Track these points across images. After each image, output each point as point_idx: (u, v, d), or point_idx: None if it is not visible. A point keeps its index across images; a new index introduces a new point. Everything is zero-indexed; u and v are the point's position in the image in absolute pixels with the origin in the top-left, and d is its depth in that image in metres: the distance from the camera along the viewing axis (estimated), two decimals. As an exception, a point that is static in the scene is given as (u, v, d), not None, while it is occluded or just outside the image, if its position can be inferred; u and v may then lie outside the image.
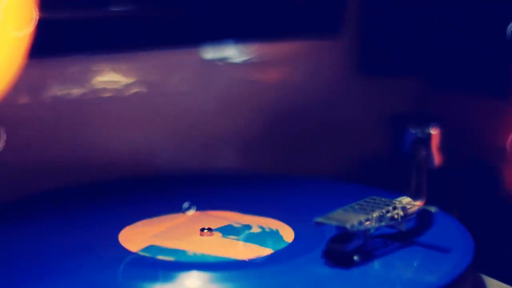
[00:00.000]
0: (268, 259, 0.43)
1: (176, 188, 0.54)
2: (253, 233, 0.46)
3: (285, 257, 0.43)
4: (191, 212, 0.49)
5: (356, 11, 0.63)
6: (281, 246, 0.44)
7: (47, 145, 0.56)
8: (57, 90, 0.56)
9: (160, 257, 0.43)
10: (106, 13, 0.56)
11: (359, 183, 0.55)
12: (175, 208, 0.49)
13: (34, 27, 0.43)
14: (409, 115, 0.63)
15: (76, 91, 0.57)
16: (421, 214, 0.45)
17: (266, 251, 0.43)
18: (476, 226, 0.47)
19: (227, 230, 0.46)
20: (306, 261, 0.42)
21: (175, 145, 0.59)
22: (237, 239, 0.45)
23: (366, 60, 0.64)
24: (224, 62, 0.60)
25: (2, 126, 0.52)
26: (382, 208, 0.43)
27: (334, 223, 0.41)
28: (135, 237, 0.46)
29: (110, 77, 0.57)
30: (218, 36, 0.59)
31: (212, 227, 0.47)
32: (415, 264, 0.43)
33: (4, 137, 0.52)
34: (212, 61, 0.60)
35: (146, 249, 0.44)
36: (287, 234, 0.46)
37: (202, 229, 0.46)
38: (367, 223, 0.42)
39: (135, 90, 0.58)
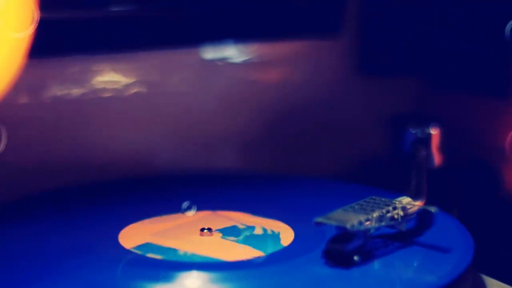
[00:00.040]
0: (268, 259, 0.43)
1: (176, 188, 0.54)
2: (253, 235, 0.46)
3: (285, 257, 0.43)
4: (192, 213, 0.49)
5: (356, 11, 0.63)
6: (275, 249, 0.44)
7: (47, 145, 0.56)
8: (57, 90, 0.56)
9: (149, 254, 0.43)
10: (106, 13, 0.56)
11: (359, 183, 0.55)
12: (175, 208, 0.49)
13: (34, 28, 0.43)
14: (409, 115, 0.63)
15: (76, 91, 0.57)
16: (421, 214, 0.45)
17: (257, 253, 0.43)
18: (476, 226, 0.47)
19: (229, 231, 0.46)
20: (306, 261, 0.42)
21: (175, 145, 0.59)
22: (235, 241, 0.45)
23: (366, 60, 0.64)
24: (224, 62, 0.60)
25: (3, 127, 0.52)
26: (382, 208, 0.43)
27: (334, 223, 0.41)
28: (136, 235, 0.46)
29: (110, 77, 0.57)
30: (218, 36, 0.59)
31: (217, 228, 0.47)
32: (415, 264, 0.43)
33: (5, 137, 0.52)
34: (212, 61, 0.60)
35: (140, 246, 0.44)
36: (288, 237, 0.45)
37: (202, 229, 0.46)
38: (367, 223, 0.42)
39: (135, 90, 0.58)
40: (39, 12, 0.44)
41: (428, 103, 0.64)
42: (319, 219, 0.42)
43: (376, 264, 0.42)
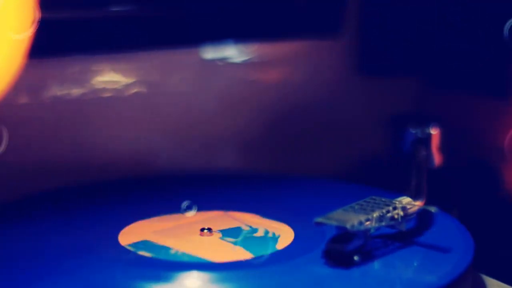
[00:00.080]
0: (268, 259, 0.43)
1: (176, 188, 0.54)
2: (252, 237, 0.46)
3: (285, 257, 0.43)
4: (192, 213, 0.49)
5: (356, 11, 0.63)
6: (266, 252, 0.43)
7: (47, 145, 0.56)
8: (57, 90, 0.56)
9: (141, 252, 0.43)
10: (106, 13, 0.56)
11: (359, 183, 0.55)
12: (175, 208, 0.49)
13: (34, 32, 0.43)
14: (409, 115, 0.63)
15: (76, 91, 0.57)
16: (421, 214, 0.45)
17: (247, 256, 0.43)
18: (476, 226, 0.47)
19: (230, 232, 0.46)
20: (306, 261, 0.42)
21: (175, 145, 0.59)
22: (232, 242, 0.45)
23: (366, 60, 0.64)
24: (224, 62, 0.60)
25: (4, 127, 0.52)
26: (382, 208, 0.43)
27: (334, 223, 0.41)
28: (137, 233, 0.46)
29: (110, 77, 0.57)
30: (218, 36, 0.59)
31: (222, 228, 0.47)
32: (415, 264, 0.43)
33: (6, 137, 0.52)
34: (212, 61, 0.60)
35: (136, 243, 0.44)
36: (287, 239, 0.45)
37: (202, 229, 0.46)
38: (367, 223, 0.42)
39: (135, 90, 0.58)
40: (39, 12, 0.44)
41: (428, 103, 0.64)
42: (319, 219, 0.42)
43: (376, 264, 0.42)
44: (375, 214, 0.42)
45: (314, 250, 0.43)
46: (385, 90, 0.64)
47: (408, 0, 0.63)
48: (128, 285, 0.40)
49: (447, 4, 0.61)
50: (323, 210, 0.42)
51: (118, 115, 0.58)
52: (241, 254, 0.43)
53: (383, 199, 0.44)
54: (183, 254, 0.43)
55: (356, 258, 0.42)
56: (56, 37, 0.54)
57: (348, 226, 0.41)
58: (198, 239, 0.46)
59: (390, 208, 0.43)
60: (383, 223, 0.43)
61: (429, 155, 0.45)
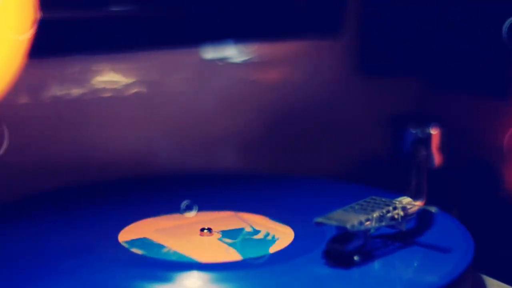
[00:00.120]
0: (268, 259, 0.43)
1: (176, 188, 0.54)
2: (250, 239, 0.46)
3: (285, 257, 0.43)
4: (192, 213, 0.49)
5: (356, 11, 0.63)
6: (256, 255, 0.43)
7: (47, 145, 0.56)
8: (57, 90, 0.56)
9: (133, 249, 0.44)
10: (106, 13, 0.56)
11: (359, 183, 0.55)
12: (175, 208, 0.49)
13: (34, 32, 0.43)
14: (409, 115, 0.63)
15: (76, 91, 0.57)
16: (421, 214, 0.45)
17: (236, 257, 0.43)
18: (476, 226, 0.47)
19: (231, 233, 0.46)
20: (306, 261, 0.42)
21: (175, 145, 0.59)
22: (229, 243, 0.45)
23: (366, 60, 0.64)
24: (224, 62, 0.60)
25: (5, 127, 0.52)
26: (382, 208, 0.43)
27: (334, 223, 0.41)
28: (139, 230, 0.46)
29: (110, 77, 0.57)
30: (218, 36, 0.59)
31: (225, 229, 0.47)
32: (415, 264, 0.43)
33: (7, 138, 0.52)
34: (212, 61, 0.60)
35: (133, 240, 0.45)
36: (284, 242, 0.45)
37: (202, 229, 0.46)
38: (367, 223, 0.42)
39: (135, 90, 0.58)
40: (39, 12, 0.44)
41: (428, 103, 0.64)
42: (319, 219, 0.42)
43: (376, 264, 0.42)
44: (375, 214, 0.42)
45: (314, 250, 0.43)
46: (385, 90, 0.64)
47: (408, 0, 0.63)
48: (128, 285, 0.40)
49: (447, 4, 0.60)
50: (323, 210, 0.42)
51: (118, 115, 0.58)
52: (230, 255, 0.43)
53: (383, 199, 0.44)
54: (174, 253, 0.43)
55: (356, 258, 0.42)
56: (56, 37, 0.54)
57: (348, 226, 0.41)
58: (196, 239, 0.46)
59: (390, 208, 0.43)
60: (383, 223, 0.43)
61: (429, 155, 0.45)
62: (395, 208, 0.44)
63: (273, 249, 0.44)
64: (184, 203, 0.49)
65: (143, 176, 0.57)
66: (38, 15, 0.44)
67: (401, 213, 0.44)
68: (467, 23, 0.59)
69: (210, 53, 0.59)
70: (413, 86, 0.64)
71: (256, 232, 0.46)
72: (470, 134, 0.59)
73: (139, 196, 0.53)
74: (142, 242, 0.45)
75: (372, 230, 0.43)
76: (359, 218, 0.42)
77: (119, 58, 0.57)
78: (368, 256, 0.42)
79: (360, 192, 0.47)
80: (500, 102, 0.57)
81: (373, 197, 0.45)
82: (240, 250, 0.44)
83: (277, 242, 0.45)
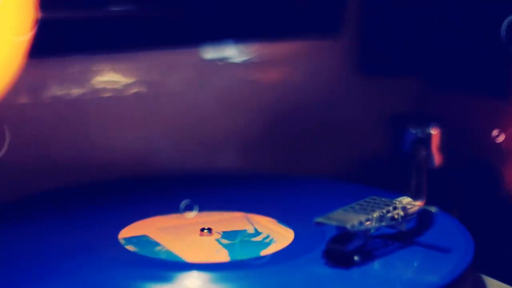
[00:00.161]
0: (268, 259, 0.43)
1: (176, 188, 0.54)
2: (248, 241, 0.45)
3: (285, 257, 0.43)
4: (193, 213, 0.49)
5: (356, 11, 0.63)
6: (246, 257, 0.43)
7: (47, 145, 0.56)
8: (57, 90, 0.56)
9: (127, 246, 0.44)
10: (106, 13, 0.56)
11: (359, 183, 0.55)
12: (175, 208, 0.49)
13: (34, 30, 0.43)
14: (409, 115, 0.63)
15: (76, 91, 0.57)
16: (421, 214, 0.45)
17: (224, 259, 0.43)
18: (476, 226, 0.47)
19: (232, 234, 0.46)
20: (306, 261, 0.42)
21: (175, 145, 0.59)
22: (225, 243, 0.45)
23: (366, 60, 0.64)
24: (224, 62, 0.60)
25: (5, 127, 0.52)
26: (382, 208, 0.43)
27: (334, 223, 0.41)
28: (143, 226, 0.47)
29: (110, 77, 0.57)
30: (218, 36, 0.59)
31: (229, 229, 0.47)
32: (415, 264, 0.43)
33: (8, 138, 0.52)
34: (212, 61, 0.60)
35: (132, 237, 0.45)
36: (278, 246, 0.45)
37: (202, 229, 0.46)
38: (368, 223, 0.42)
39: (135, 90, 0.58)
40: (39, 12, 0.44)
41: (428, 103, 0.64)
42: (319, 219, 0.42)
43: (376, 264, 0.42)
44: (375, 214, 0.42)
45: (314, 250, 0.43)
46: (385, 90, 0.64)
47: (408, 0, 0.63)
48: (128, 285, 0.40)
49: (447, 4, 0.60)
50: (323, 210, 0.42)
51: (118, 115, 0.58)
52: (218, 256, 0.43)
53: (383, 199, 0.44)
54: (166, 251, 0.44)
55: (356, 258, 0.42)
56: (56, 37, 0.54)
57: (348, 226, 0.41)
58: (194, 239, 0.46)
59: (390, 208, 0.43)
60: (383, 223, 0.43)
61: (429, 155, 0.45)
62: (395, 208, 0.44)
63: (264, 252, 0.44)
64: (183, 203, 0.49)
65: (143, 176, 0.57)
66: (38, 15, 0.44)
67: (401, 213, 0.44)
68: (467, 23, 0.59)
69: (210, 53, 0.59)
70: (413, 86, 0.64)
71: (257, 234, 0.46)
72: (470, 134, 0.59)
73: (139, 196, 0.53)
74: (139, 239, 0.45)
75: (372, 230, 0.43)
76: (359, 218, 0.42)
77: (119, 58, 0.57)
78: (368, 256, 0.42)
79: (360, 192, 0.47)
80: (500, 102, 0.57)
81: (373, 197, 0.45)
82: (230, 252, 0.44)
83: (272, 245, 0.45)
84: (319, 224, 0.41)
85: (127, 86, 0.58)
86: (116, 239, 0.45)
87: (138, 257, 0.43)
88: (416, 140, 0.45)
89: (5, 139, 0.53)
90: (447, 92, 0.62)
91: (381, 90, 0.64)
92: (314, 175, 0.59)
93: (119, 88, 0.58)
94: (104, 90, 0.57)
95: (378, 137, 0.63)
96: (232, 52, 0.60)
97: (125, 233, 0.46)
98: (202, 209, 0.49)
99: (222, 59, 0.60)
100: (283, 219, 0.48)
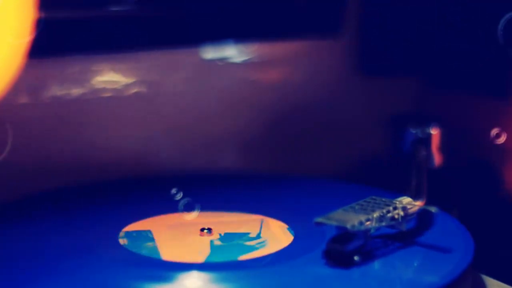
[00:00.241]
0: (268, 259, 0.43)
1: (176, 188, 0.54)
2: (241, 244, 0.45)
3: (285, 257, 0.43)
4: (194, 214, 0.49)
5: (356, 11, 0.63)
6: (223, 260, 0.43)
7: (47, 145, 0.56)
8: (57, 90, 0.56)
9: (121, 240, 0.44)
10: (106, 13, 0.56)
11: (359, 183, 0.55)
12: (175, 208, 0.49)
13: (34, 31, 0.43)
14: (409, 115, 0.63)
15: (76, 91, 0.57)
16: (422, 214, 0.45)
17: (199, 260, 0.43)
18: (476, 226, 0.47)
19: (232, 236, 0.46)
20: (306, 261, 0.42)
21: (175, 145, 0.59)
22: (218, 245, 0.45)
23: (366, 60, 0.64)
24: (224, 62, 0.60)
25: (8, 127, 0.52)
26: (382, 208, 0.43)
27: (335, 223, 0.41)
28: (153, 222, 0.47)
29: (110, 77, 0.57)
30: (218, 36, 0.59)
31: (232, 231, 0.46)
32: (415, 264, 0.43)
33: (10, 139, 0.52)
34: (212, 61, 0.60)
35: (133, 231, 0.46)
36: (263, 252, 0.44)
37: (202, 229, 0.46)
38: (368, 223, 0.42)
39: (135, 90, 0.58)
40: (39, 12, 0.44)
41: (428, 103, 0.64)
42: (319, 219, 0.42)
43: (376, 264, 0.42)
44: (376, 214, 0.42)
45: (314, 250, 0.43)
46: (385, 90, 0.64)
47: (408, 0, 0.63)
48: (128, 285, 0.40)
49: (447, 4, 0.60)
50: (323, 210, 0.42)
51: (118, 115, 0.58)
52: (196, 257, 0.43)
53: (383, 199, 0.44)
54: (154, 248, 0.44)
55: (356, 258, 0.42)
56: (56, 37, 0.54)
57: (348, 226, 0.41)
58: (189, 238, 0.46)
59: (391, 208, 0.43)
60: (384, 223, 0.43)
61: (429, 155, 0.45)
62: (395, 208, 0.44)
63: (243, 257, 0.43)
64: (182, 203, 0.49)
65: (143, 176, 0.57)
66: (38, 15, 0.44)
67: (401, 213, 0.44)
68: (467, 23, 0.59)
69: (210, 53, 0.59)
70: (413, 86, 0.64)
71: (257, 238, 0.46)
72: (470, 134, 0.59)
73: (139, 196, 0.53)
74: (139, 234, 0.45)
75: (372, 230, 0.43)
76: (359, 218, 0.42)
77: (119, 58, 0.57)
78: (368, 256, 0.42)
79: (360, 192, 0.47)
80: (500, 102, 0.57)
81: (373, 197, 0.45)
82: (212, 253, 0.44)
83: (259, 250, 0.44)
84: (319, 224, 0.41)
85: (127, 86, 0.58)
86: (116, 239, 0.45)
87: (138, 257, 0.43)
88: (416, 140, 0.45)
89: (5, 140, 0.53)
90: (447, 92, 0.62)
91: (381, 90, 0.64)
92: (314, 175, 0.59)
93: (119, 88, 0.58)
94: (104, 90, 0.57)
95: (378, 137, 0.63)
96: (232, 52, 0.60)
97: (131, 227, 0.46)
98: (203, 209, 0.49)
99: (222, 59, 0.60)
100: (283, 219, 0.48)
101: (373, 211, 0.43)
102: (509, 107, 0.56)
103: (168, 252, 0.44)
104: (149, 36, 0.57)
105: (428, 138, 0.45)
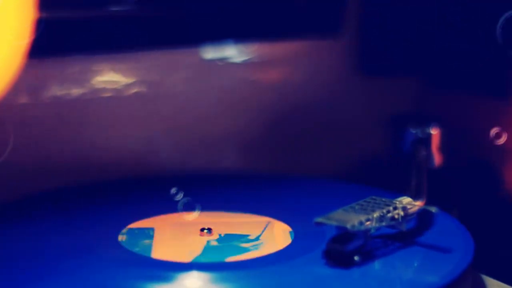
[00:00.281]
0: (268, 259, 0.43)
1: (176, 188, 0.54)
2: (236, 246, 0.45)
3: (285, 257, 0.43)
4: (195, 214, 0.49)
5: (356, 11, 0.63)
6: (211, 260, 0.43)
7: (47, 145, 0.56)
8: (57, 90, 0.56)
9: (120, 236, 0.45)
10: (106, 13, 0.56)
11: (359, 183, 0.55)
12: (175, 208, 0.49)
13: (34, 31, 0.43)
14: (409, 115, 0.63)
15: (76, 91, 0.57)
16: (422, 214, 0.45)
17: (186, 259, 0.43)
18: (476, 226, 0.47)
19: (231, 238, 0.46)
20: (306, 261, 0.42)
21: (175, 145, 0.59)
22: (214, 245, 0.45)
23: (366, 60, 0.64)
24: (224, 62, 0.60)
25: (8, 128, 0.52)
26: (382, 208, 0.43)
27: (335, 223, 0.41)
28: (162, 219, 0.48)
29: (110, 77, 0.57)
30: (218, 36, 0.59)
31: (233, 232, 0.46)
32: (415, 264, 0.43)
33: (12, 139, 0.52)
34: (212, 61, 0.60)
35: (135, 228, 0.46)
36: (256, 253, 0.44)
37: (202, 229, 0.46)
38: (368, 223, 0.42)
39: (135, 90, 0.58)
40: (39, 12, 0.44)
41: (428, 103, 0.64)
42: (319, 219, 0.42)
43: (377, 264, 0.42)
44: (376, 214, 0.42)
45: (314, 250, 0.43)
46: (385, 90, 0.64)
47: (408, 0, 0.63)
48: (128, 285, 0.40)
49: (447, 4, 0.60)
50: (323, 210, 0.42)
51: (118, 115, 0.58)
52: (184, 257, 0.43)
53: (383, 199, 0.44)
54: (148, 246, 0.44)
55: (356, 258, 0.42)
56: (56, 37, 0.54)
57: (348, 226, 0.41)
58: (187, 238, 0.46)
59: (391, 208, 0.43)
60: (384, 223, 0.43)
61: (429, 155, 0.45)
62: (395, 208, 0.44)
63: (230, 259, 0.43)
64: (181, 202, 0.49)
65: (143, 176, 0.57)
66: (38, 15, 0.44)
67: (401, 213, 0.44)
68: (467, 23, 0.59)
69: (210, 53, 0.59)
70: (413, 86, 0.64)
71: (254, 240, 0.46)
72: (470, 134, 0.59)
73: (139, 196, 0.53)
74: (140, 231, 0.45)
75: (372, 230, 0.43)
76: (359, 218, 0.42)
77: (119, 58, 0.57)
78: (368, 256, 0.42)
79: (360, 192, 0.47)
80: (500, 102, 0.57)
81: (373, 197, 0.45)
82: (202, 254, 0.44)
83: (250, 252, 0.44)
84: (319, 224, 0.41)
85: (127, 86, 0.58)
86: (116, 239, 0.45)
87: (138, 257, 0.43)
88: (416, 140, 0.45)
89: (5, 140, 0.53)
90: (447, 92, 0.62)
91: (381, 90, 0.64)
92: (314, 175, 0.59)
93: (119, 88, 0.58)
94: (104, 90, 0.57)
95: (378, 137, 0.63)
96: (232, 52, 0.60)
97: (136, 224, 0.47)
98: (203, 209, 0.49)
99: (222, 59, 0.60)
100: (283, 219, 0.48)
101: (373, 211, 0.43)
102: (509, 107, 0.56)
103: (160, 250, 0.44)
104: (149, 36, 0.57)
105: (428, 138, 0.45)
